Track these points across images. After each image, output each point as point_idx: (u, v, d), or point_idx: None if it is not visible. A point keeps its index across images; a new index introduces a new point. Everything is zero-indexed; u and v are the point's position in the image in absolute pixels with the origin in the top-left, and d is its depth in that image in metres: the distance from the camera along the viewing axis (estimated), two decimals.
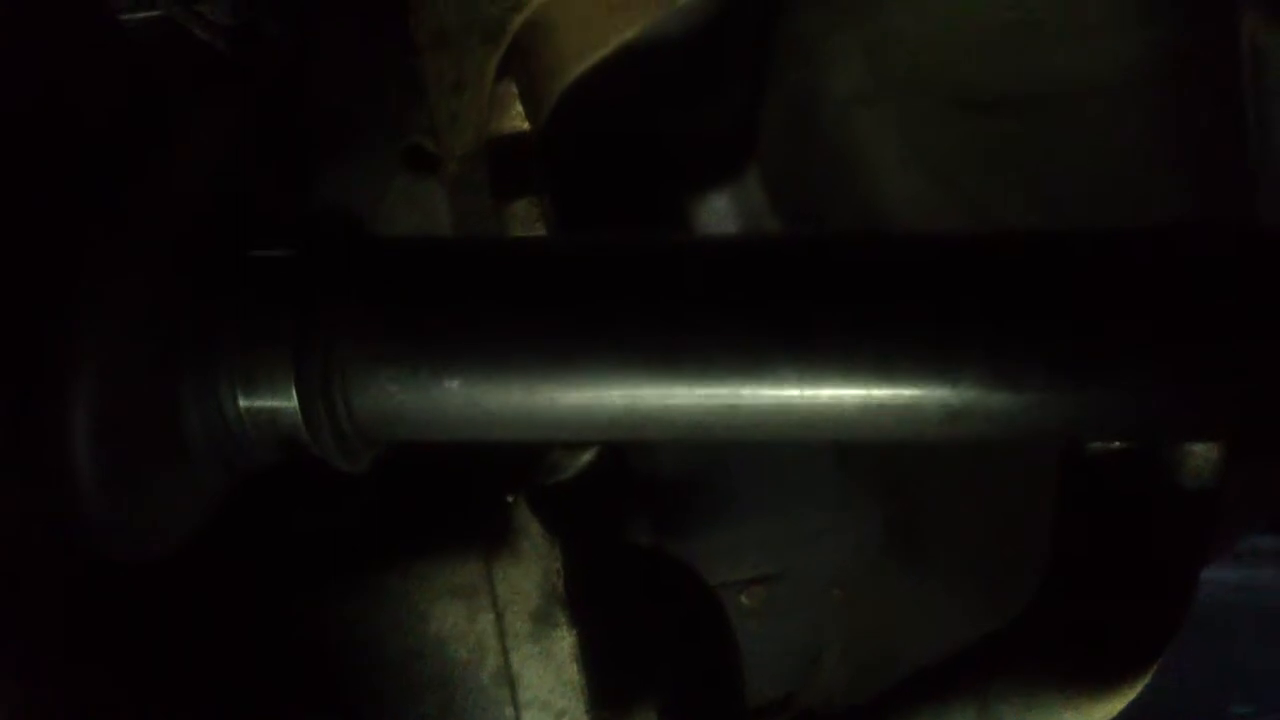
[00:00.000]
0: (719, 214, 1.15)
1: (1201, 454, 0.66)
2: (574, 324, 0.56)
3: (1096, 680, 0.69)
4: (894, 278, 0.56)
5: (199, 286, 0.57)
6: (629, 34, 0.80)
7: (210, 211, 0.60)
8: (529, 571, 0.75)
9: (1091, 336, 0.54)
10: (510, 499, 0.75)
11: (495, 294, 0.57)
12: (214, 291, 0.57)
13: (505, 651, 0.76)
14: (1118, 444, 0.66)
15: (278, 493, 0.70)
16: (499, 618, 0.75)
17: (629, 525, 1.17)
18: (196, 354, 0.57)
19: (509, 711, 0.75)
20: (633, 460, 1.23)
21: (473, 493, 0.77)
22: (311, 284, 0.57)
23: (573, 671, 0.75)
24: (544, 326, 0.56)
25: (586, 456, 0.79)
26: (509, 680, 0.76)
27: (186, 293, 0.57)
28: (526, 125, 0.79)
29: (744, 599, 1.28)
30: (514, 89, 0.78)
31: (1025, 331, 0.54)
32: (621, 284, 0.57)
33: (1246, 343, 0.54)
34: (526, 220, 0.77)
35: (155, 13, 0.93)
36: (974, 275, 0.56)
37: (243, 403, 0.58)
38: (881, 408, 0.55)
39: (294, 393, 0.57)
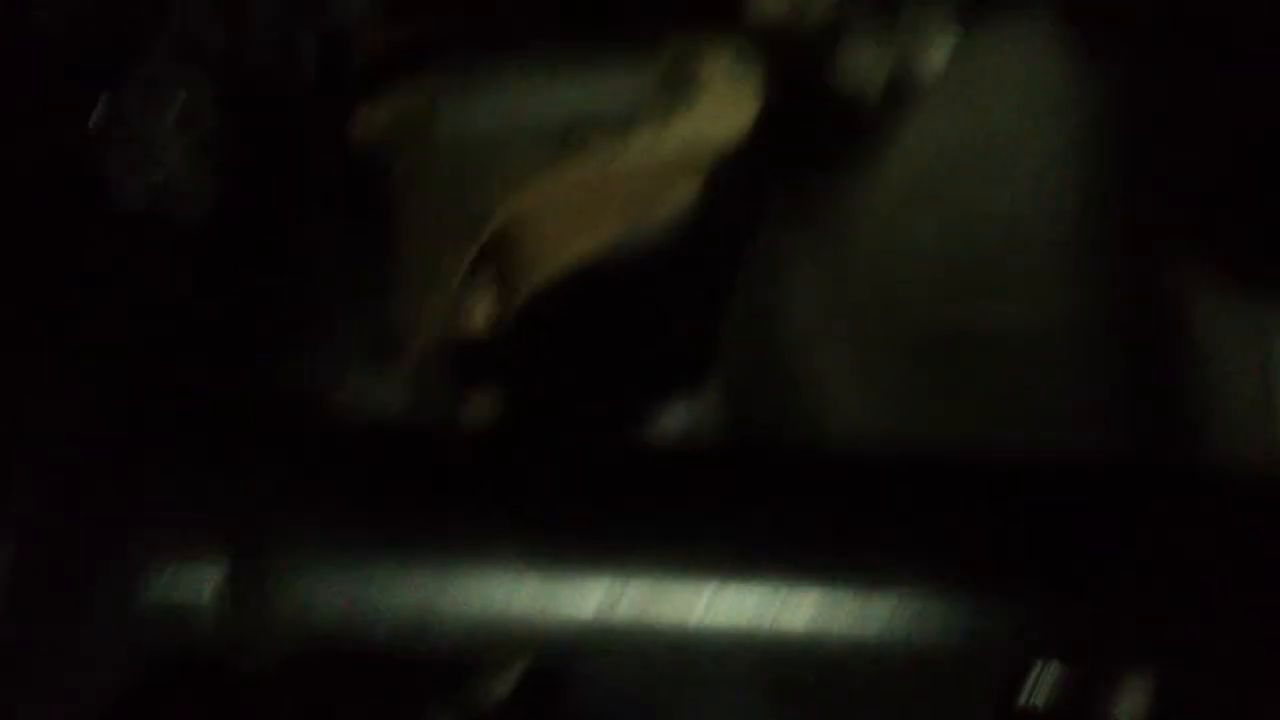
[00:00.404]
0: (677, 422, 1.16)
1: (1126, 712, 0.66)
2: (519, 524, 0.55)
3: None
4: (819, 489, 0.57)
5: (133, 463, 0.56)
6: (600, 245, 0.83)
7: (153, 387, 0.59)
8: None
9: (1020, 557, 0.55)
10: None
11: (444, 493, 0.56)
12: (149, 469, 0.56)
13: None
14: (1043, 700, 0.66)
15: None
16: None
17: None
18: (117, 534, 0.55)
19: None
20: (559, 694, 1.19)
21: (388, 711, 0.73)
22: (250, 469, 0.56)
23: None
24: (487, 530, 0.55)
25: (511, 681, 0.77)
26: None
27: (118, 468, 0.55)
28: (492, 323, 0.80)
29: None
30: (483, 287, 0.80)
31: (958, 552, 0.55)
32: (576, 483, 0.57)
33: (1167, 578, 0.55)
34: (484, 417, 0.77)
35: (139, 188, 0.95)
36: (909, 491, 0.57)
37: (158, 588, 0.55)
38: (806, 623, 0.54)
39: (214, 584, 0.55)
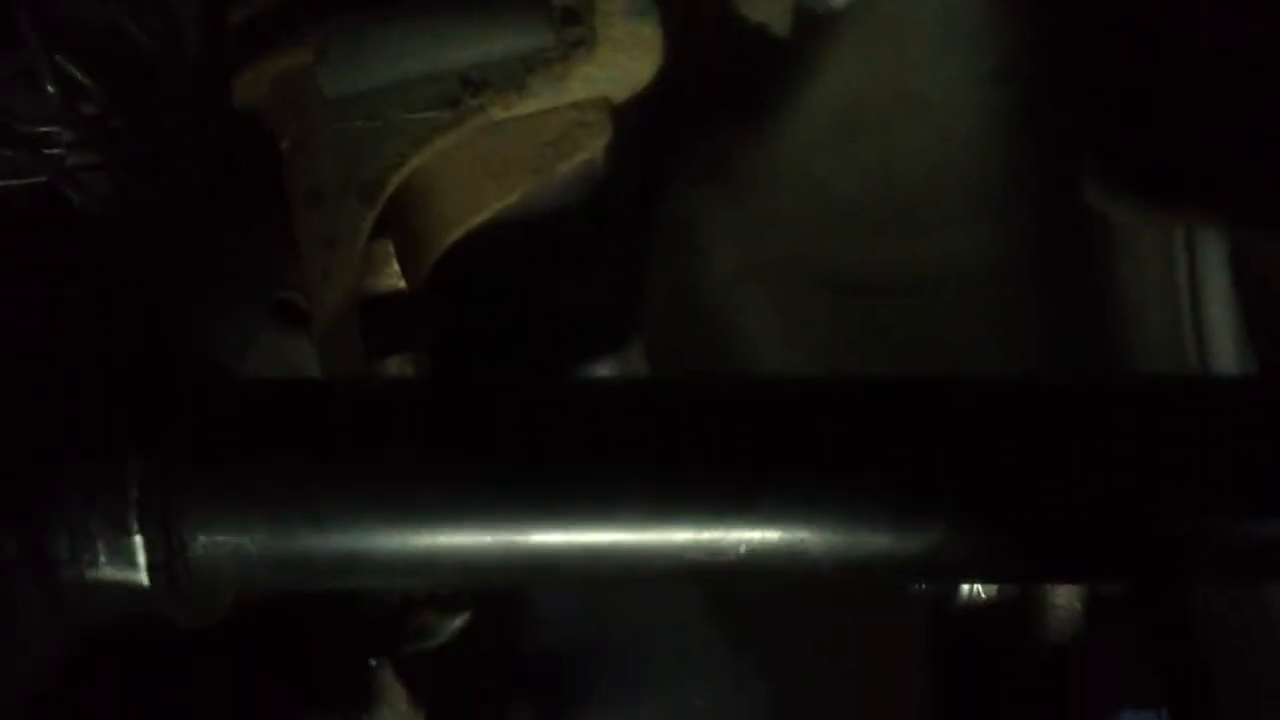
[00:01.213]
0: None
1: (1064, 607, 0.67)
2: (410, 471, 0.55)
3: None
4: (747, 418, 0.57)
5: (38, 433, 0.55)
6: (506, 201, 0.82)
7: (55, 360, 0.58)
8: None
9: (934, 476, 0.55)
10: (374, 663, 0.72)
11: (335, 443, 0.56)
12: (55, 438, 0.55)
13: None
14: (983, 598, 0.67)
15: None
16: None
17: (511, 703, 1.13)
18: (31, 504, 0.54)
19: None
20: (513, 635, 1.19)
21: (334, 655, 0.73)
22: (156, 428, 0.55)
23: None
24: (380, 475, 0.55)
25: (457, 622, 0.77)
26: None
27: (23, 440, 0.55)
28: (403, 284, 0.79)
29: None
30: (390, 248, 0.79)
31: (883, 474, 0.55)
32: (476, 426, 0.56)
33: (1082, 486, 0.56)
34: (400, 376, 0.76)
35: (33, 180, 0.94)
36: (822, 416, 0.57)
37: (77, 562, 0.54)
38: (746, 549, 0.55)
39: (135, 546, 0.54)
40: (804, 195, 1.20)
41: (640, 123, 0.93)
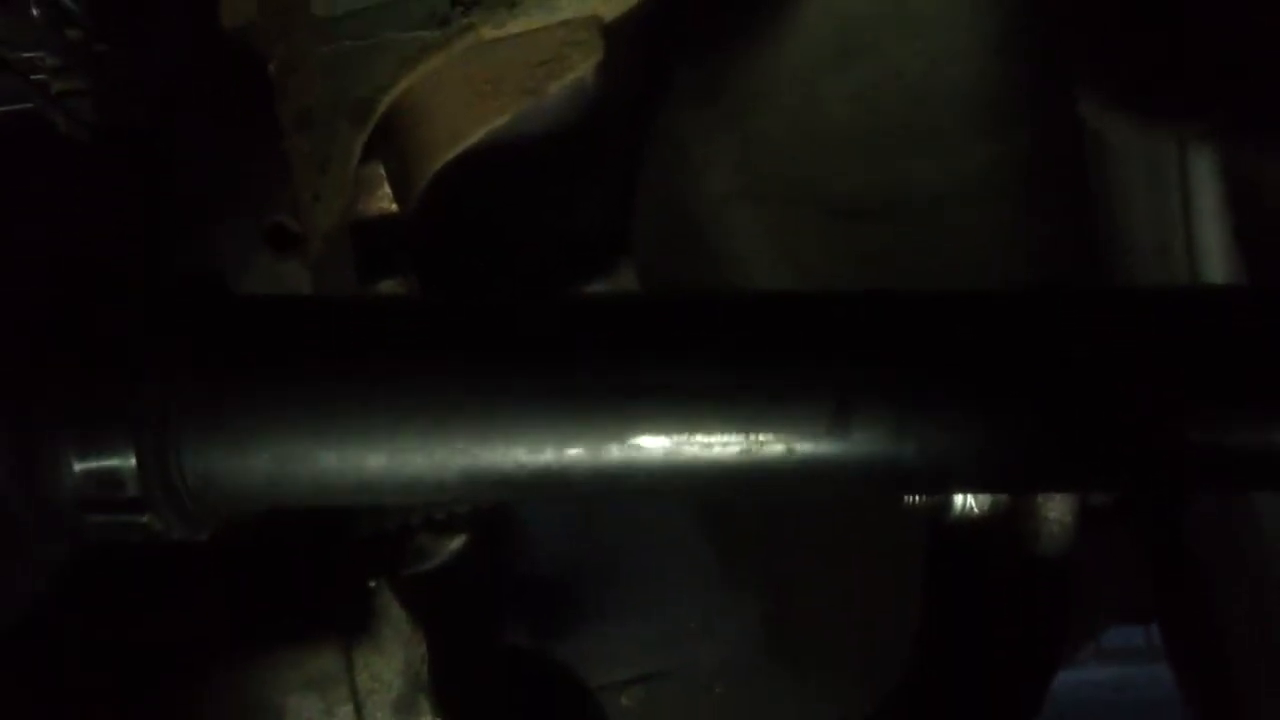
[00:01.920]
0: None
1: (1057, 521, 0.68)
2: (407, 386, 0.55)
3: None
4: (729, 330, 0.57)
5: (31, 347, 0.55)
6: (498, 122, 0.81)
7: (45, 272, 0.58)
8: (391, 659, 0.72)
9: (933, 386, 0.56)
10: (373, 584, 0.73)
11: (329, 357, 0.56)
12: (47, 354, 0.55)
13: None
14: (976, 511, 0.67)
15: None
16: (358, 709, 0.72)
17: (507, 624, 1.14)
18: (24, 419, 0.54)
19: None
20: (509, 557, 1.21)
21: (333, 577, 0.74)
22: (153, 345, 0.55)
23: None
24: (375, 389, 0.55)
25: (455, 543, 0.78)
26: None
27: (20, 359, 0.55)
28: (394, 207, 0.79)
29: (624, 700, 1.25)
30: (381, 170, 0.78)
31: (871, 380, 0.55)
32: (460, 344, 0.56)
33: (1085, 397, 0.56)
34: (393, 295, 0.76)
35: (20, 106, 0.92)
36: (818, 327, 0.57)
37: (74, 471, 0.54)
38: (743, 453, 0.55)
39: (130, 459, 0.54)
40: (799, 116, 1.19)
41: (634, 41, 0.92)
